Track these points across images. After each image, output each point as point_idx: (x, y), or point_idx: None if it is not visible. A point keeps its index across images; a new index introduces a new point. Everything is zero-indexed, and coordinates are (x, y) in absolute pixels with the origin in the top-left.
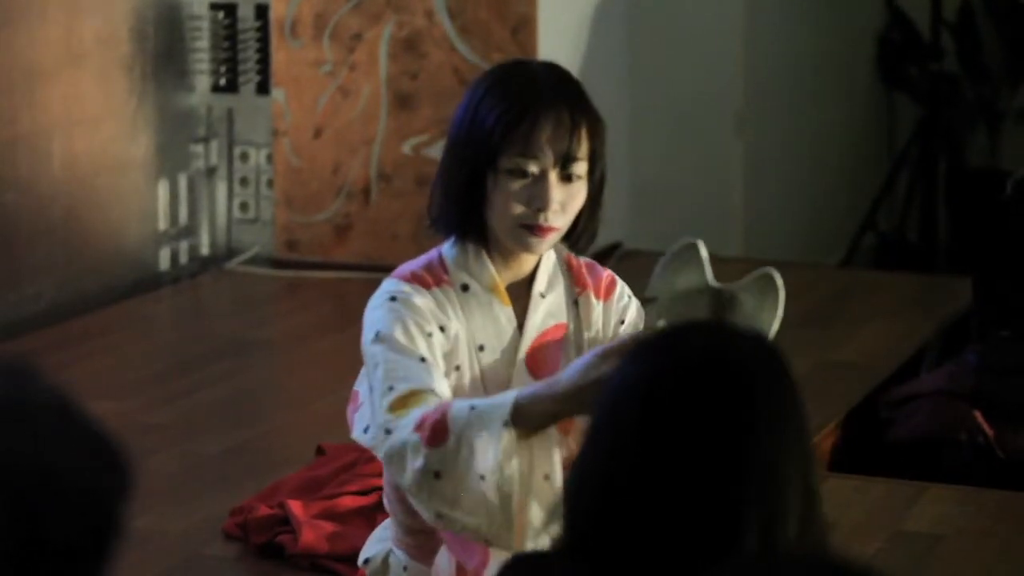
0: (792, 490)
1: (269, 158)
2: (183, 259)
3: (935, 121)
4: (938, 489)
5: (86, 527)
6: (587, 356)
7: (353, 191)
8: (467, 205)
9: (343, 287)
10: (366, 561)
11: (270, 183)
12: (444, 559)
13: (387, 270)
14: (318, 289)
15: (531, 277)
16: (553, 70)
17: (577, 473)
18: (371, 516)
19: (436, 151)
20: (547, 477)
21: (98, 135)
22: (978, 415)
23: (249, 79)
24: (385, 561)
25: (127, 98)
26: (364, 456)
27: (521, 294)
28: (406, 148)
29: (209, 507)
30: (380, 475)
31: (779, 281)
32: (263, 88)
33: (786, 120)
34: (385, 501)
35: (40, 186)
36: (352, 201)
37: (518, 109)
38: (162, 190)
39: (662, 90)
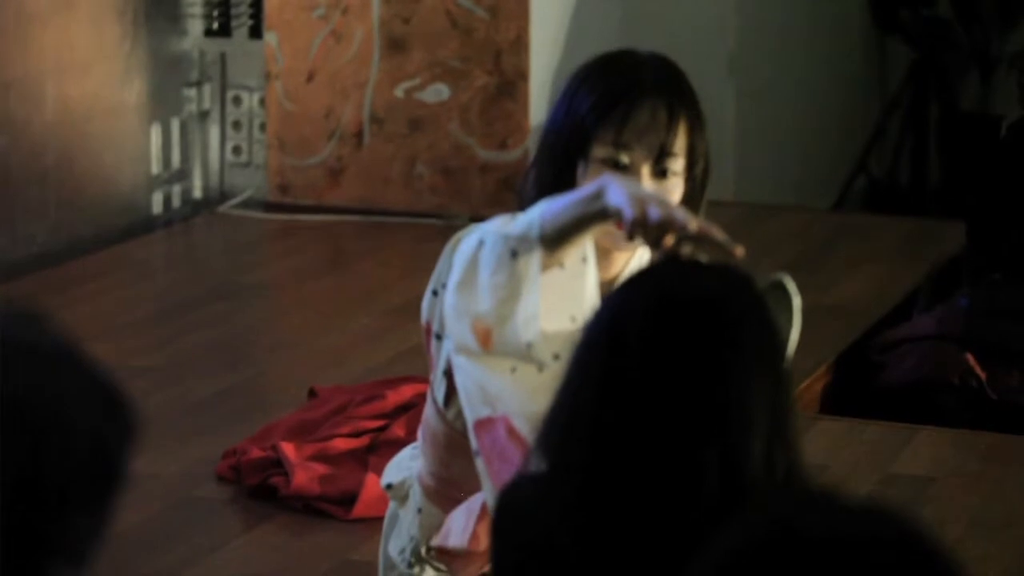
0: (756, 427)
1: (262, 102)
2: (176, 203)
3: (927, 65)
4: (929, 432)
5: (91, 471)
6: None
7: (346, 135)
8: (556, 195)
9: (336, 230)
10: (389, 486)
11: (263, 127)
12: (460, 520)
13: (380, 213)
14: (311, 232)
15: (619, 276)
16: (657, 61)
17: (552, 407)
18: (363, 458)
19: (428, 95)
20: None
21: (91, 79)
22: (970, 358)
23: (242, 23)
24: (409, 491)
25: (120, 42)
26: (356, 399)
27: (605, 293)
28: (399, 92)
29: (202, 449)
30: (372, 418)
31: (792, 287)
32: (256, 32)
33: (778, 64)
34: (420, 439)
35: (33, 131)
36: (345, 144)
37: (613, 97)
38: (155, 134)
39: (655, 34)
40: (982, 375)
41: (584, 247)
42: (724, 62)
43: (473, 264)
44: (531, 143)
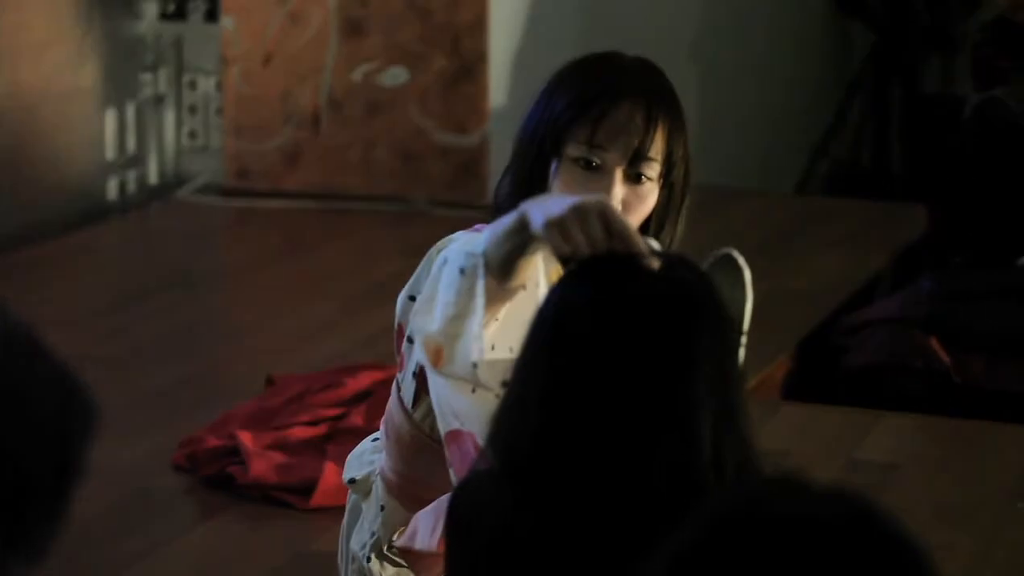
0: (704, 419)
1: (218, 86)
2: (131, 188)
3: (889, 47)
4: (893, 417)
5: (50, 463)
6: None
7: (303, 118)
8: (531, 194)
9: (293, 215)
10: (352, 480)
11: (219, 111)
12: (428, 521)
13: (338, 198)
14: (268, 217)
15: None
16: (640, 63)
17: (500, 405)
18: (321, 447)
19: (386, 78)
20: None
21: (45, 63)
22: (934, 341)
23: (197, 6)
24: (372, 486)
25: (74, 26)
26: (314, 387)
27: None
28: (356, 75)
29: (158, 438)
30: (330, 406)
31: (741, 260)
32: (212, 15)
33: (740, 48)
34: (383, 435)
35: None
36: (302, 128)
37: (592, 95)
38: (110, 119)
39: (616, 18)
40: (946, 359)
41: (538, 269)
42: (686, 45)
43: (434, 283)
44: (490, 127)
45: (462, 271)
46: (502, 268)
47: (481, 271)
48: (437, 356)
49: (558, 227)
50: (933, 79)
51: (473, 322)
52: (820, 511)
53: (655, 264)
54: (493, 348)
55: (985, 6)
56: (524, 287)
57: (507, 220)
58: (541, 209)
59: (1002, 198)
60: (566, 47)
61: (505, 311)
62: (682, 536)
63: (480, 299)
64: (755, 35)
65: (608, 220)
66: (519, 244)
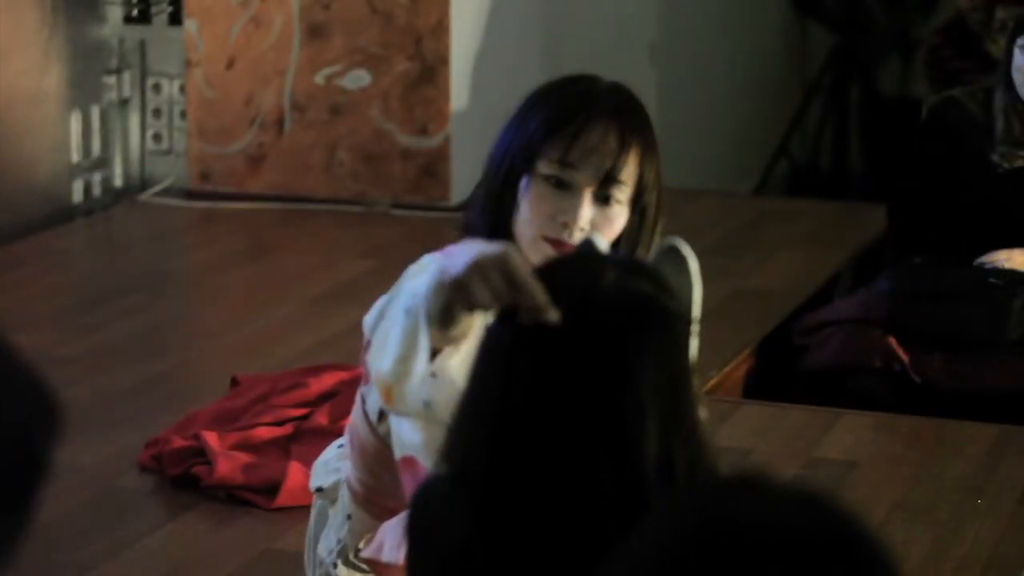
0: (649, 424)
1: (182, 89)
2: (96, 191)
3: (848, 49)
4: (852, 416)
5: (14, 464)
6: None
7: (266, 122)
8: (499, 211)
9: (257, 218)
10: (319, 489)
11: (183, 114)
12: (395, 534)
13: (300, 200)
14: (232, 220)
15: None
16: (616, 88)
17: (455, 418)
18: (286, 447)
19: (349, 81)
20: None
21: (9, 67)
22: (892, 341)
23: (161, 10)
24: (339, 494)
25: (38, 30)
26: (279, 387)
27: None
28: (319, 78)
29: (124, 439)
30: (294, 406)
31: (686, 249)
32: (175, 19)
33: (700, 49)
34: (347, 444)
35: None
36: (265, 131)
37: (566, 114)
38: (75, 122)
39: (577, 21)
40: (905, 359)
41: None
42: (646, 48)
43: (390, 320)
44: (452, 128)
45: (407, 311)
46: (440, 321)
47: (423, 315)
48: (388, 396)
49: (462, 288)
50: (892, 80)
51: (419, 361)
52: (779, 513)
53: (554, 316)
54: (454, 381)
55: (940, 8)
56: (471, 332)
57: (436, 273)
58: (455, 272)
59: (960, 198)
60: (527, 50)
61: (468, 345)
62: (643, 545)
63: (424, 338)
64: (714, 37)
65: (509, 272)
66: (447, 299)
